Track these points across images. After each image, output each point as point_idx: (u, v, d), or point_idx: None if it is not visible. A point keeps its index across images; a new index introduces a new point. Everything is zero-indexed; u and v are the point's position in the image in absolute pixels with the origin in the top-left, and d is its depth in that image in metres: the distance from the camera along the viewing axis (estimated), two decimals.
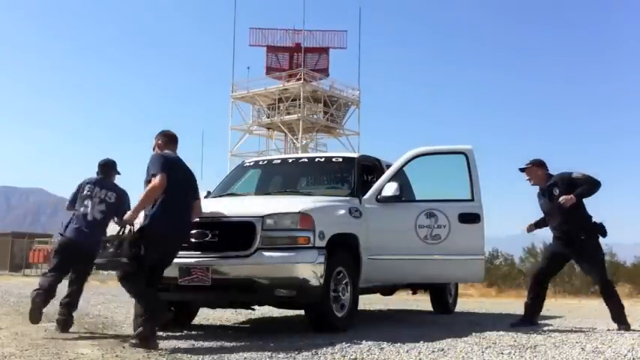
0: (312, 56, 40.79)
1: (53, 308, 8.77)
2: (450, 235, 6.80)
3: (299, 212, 5.67)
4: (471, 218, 6.90)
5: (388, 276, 7.20)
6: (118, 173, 6.92)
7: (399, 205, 6.80)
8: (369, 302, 10.52)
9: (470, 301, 14.59)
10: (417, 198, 7.54)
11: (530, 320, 7.06)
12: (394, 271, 7.10)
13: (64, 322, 6.33)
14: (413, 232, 6.79)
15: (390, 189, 6.70)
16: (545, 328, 6.77)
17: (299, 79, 38.04)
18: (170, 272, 5.69)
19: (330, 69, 41.30)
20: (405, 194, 7.18)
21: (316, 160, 7.91)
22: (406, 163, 7.09)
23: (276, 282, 5.55)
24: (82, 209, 6.53)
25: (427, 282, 8.08)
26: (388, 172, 7.00)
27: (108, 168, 6.83)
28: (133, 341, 4.93)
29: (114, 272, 5.74)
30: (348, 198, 6.67)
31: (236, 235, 5.65)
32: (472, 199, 7.01)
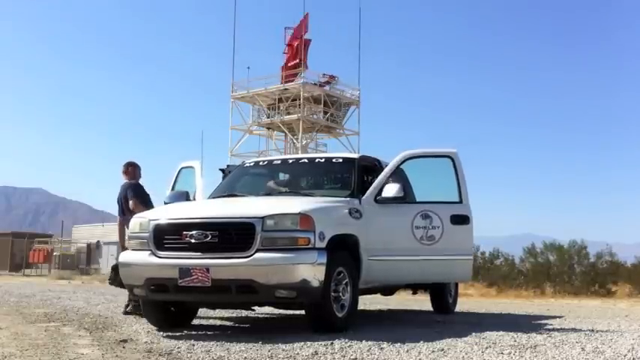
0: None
1: (54, 308, 8.79)
2: (444, 236, 6.96)
3: (299, 213, 5.67)
4: (462, 220, 7.09)
5: (387, 277, 7.24)
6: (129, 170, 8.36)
7: (396, 206, 6.85)
8: (369, 302, 10.52)
9: (470, 301, 14.59)
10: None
11: None
12: (393, 272, 7.16)
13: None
14: (410, 233, 6.89)
15: (391, 190, 6.72)
16: (545, 328, 6.77)
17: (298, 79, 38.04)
18: (170, 273, 5.71)
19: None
20: (408, 196, 7.27)
21: (316, 160, 7.91)
22: (399, 165, 7.16)
23: (277, 283, 5.55)
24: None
25: (423, 282, 8.16)
26: (383, 174, 7.01)
27: (124, 170, 8.36)
28: None
29: None
30: (348, 199, 6.67)
31: (236, 236, 5.65)
32: (461, 202, 7.21)
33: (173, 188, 8.19)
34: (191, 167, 8.29)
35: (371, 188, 6.85)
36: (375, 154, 7.86)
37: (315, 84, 39.04)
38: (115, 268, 7.76)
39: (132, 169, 8.37)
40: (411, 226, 6.89)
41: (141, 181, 8.43)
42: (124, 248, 7.91)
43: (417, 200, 7.32)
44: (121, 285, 7.30)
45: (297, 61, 39.09)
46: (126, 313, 7.65)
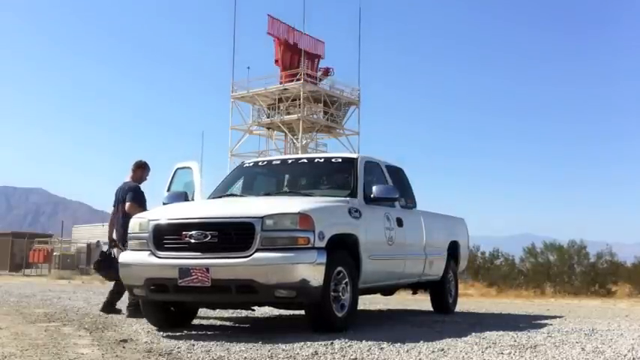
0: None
1: (54, 308, 8.79)
2: (396, 237, 7.21)
3: (298, 213, 5.66)
4: (400, 222, 7.42)
5: (385, 277, 7.32)
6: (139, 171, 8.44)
7: (376, 207, 6.96)
8: (369, 302, 10.52)
9: (470, 301, 14.59)
10: None
11: None
12: (389, 272, 7.28)
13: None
14: (384, 234, 7.03)
15: (382, 191, 6.84)
16: (545, 328, 6.77)
17: (299, 80, 38.05)
18: (170, 273, 5.71)
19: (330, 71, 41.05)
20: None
21: (316, 160, 7.91)
22: (366, 167, 7.28)
23: (276, 283, 5.54)
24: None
25: (391, 284, 8.16)
26: (360, 176, 7.07)
27: (133, 168, 8.41)
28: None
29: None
30: (347, 198, 6.68)
31: (236, 236, 5.65)
32: (394, 206, 7.49)
33: (169, 189, 8.18)
34: (187, 168, 8.27)
35: (358, 190, 6.90)
36: (375, 154, 7.90)
37: (311, 82, 39.05)
38: (99, 262, 8.24)
39: (139, 172, 8.43)
40: (383, 226, 7.04)
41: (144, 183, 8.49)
42: (110, 243, 8.28)
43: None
44: (104, 274, 8.17)
45: (275, 60, 39.52)
46: (128, 315, 7.64)
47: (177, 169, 8.46)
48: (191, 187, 7.97)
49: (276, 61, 39.61)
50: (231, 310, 8.38)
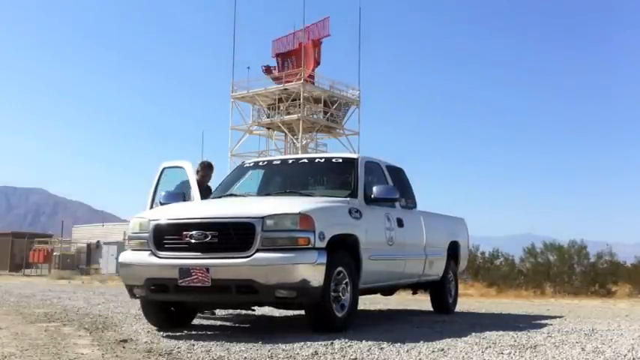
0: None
1: (54, 308, 8.79)
2: (396, 237, 7.17)
3: (299, 213, 5.67)
4: (400, 223, 7.37)
5: (385, 277, 7.32)
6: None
7: (375, 207, 6.95)
8: (369, 302, 10.52)
9: (470, 301, 14.59)
10: None
11: None
12: (389, 272, 7.28)
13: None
14: (384, 234, 7.01)
15: (382, 191, 6.84)
16: (545, 328, 6.78)
17: (299, 79, 38.07)
18: (170, 273, 5.71)
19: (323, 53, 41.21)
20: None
21: (316, 160, 7.91)
22: (366, 167, 7.27)
23: (277, 283, 5.55)
24: None
25: (391, 284, 8.15)
26: (360, 175, 7.08)
27: (198, 168, 8.50)
28: None
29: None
30: (348, 199, 6.68)
31: (236, 236, 5.65)
32: (394, 206, 7.43)
33: (155, 189, 8.06)
34: (177, 167, 8.15)
35: (359, 190, 6.90)
36: (375, 154, 7.91)
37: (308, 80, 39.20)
38: None
39: (201, 171, 8.52)
40: (384, 227, 7.03)
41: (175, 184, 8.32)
42: None
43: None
44: None
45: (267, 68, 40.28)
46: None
47: (164, 168, 8.31)
48: (183, 187, 7.89)
49: (269, 68, 40.22)
50: (231, 310, 8.39)
